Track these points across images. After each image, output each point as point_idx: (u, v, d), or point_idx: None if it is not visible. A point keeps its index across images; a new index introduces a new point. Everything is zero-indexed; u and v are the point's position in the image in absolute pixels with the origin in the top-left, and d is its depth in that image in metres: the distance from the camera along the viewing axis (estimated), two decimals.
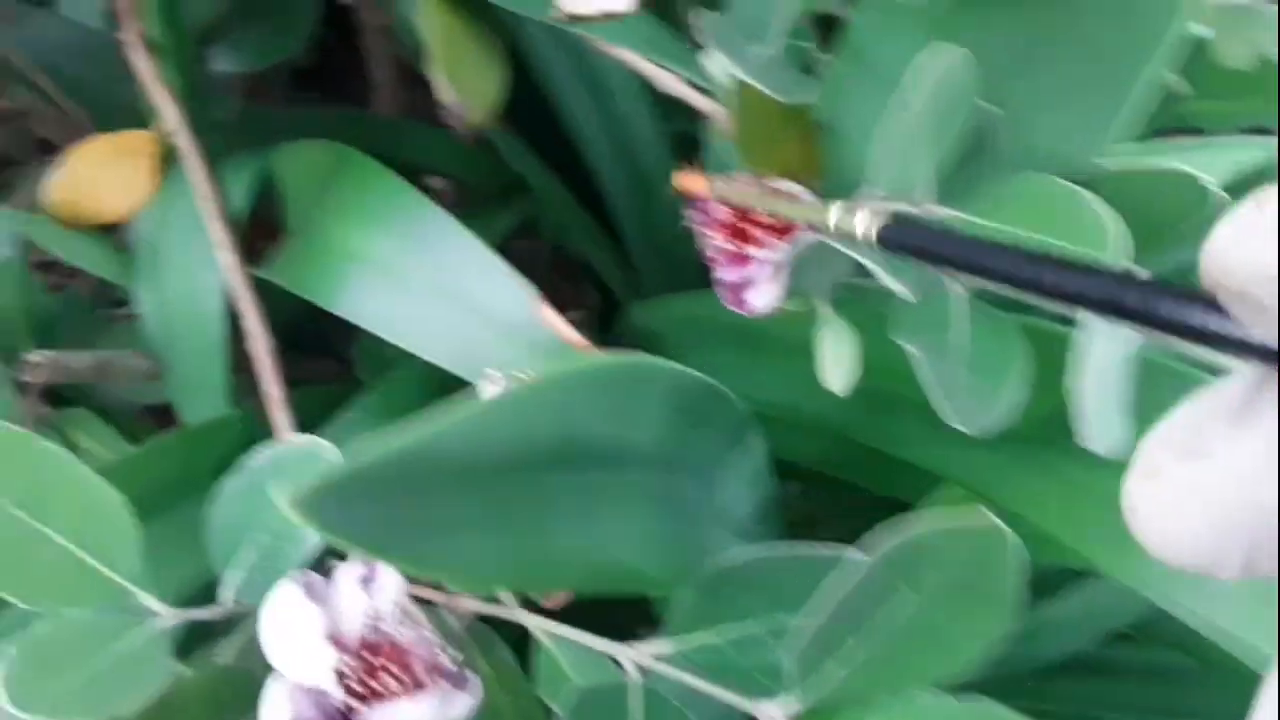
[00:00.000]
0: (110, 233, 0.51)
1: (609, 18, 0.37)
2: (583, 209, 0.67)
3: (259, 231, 0.50)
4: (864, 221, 0.25)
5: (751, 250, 0.31)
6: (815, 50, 0.38)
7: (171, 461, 0.46)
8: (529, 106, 0.64)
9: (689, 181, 0.33)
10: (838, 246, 0.29)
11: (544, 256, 0.82)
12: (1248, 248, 0.14)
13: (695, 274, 0.72)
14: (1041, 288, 0.20)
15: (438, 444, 0.25)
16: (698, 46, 0.38)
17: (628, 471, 0.32)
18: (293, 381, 0.42)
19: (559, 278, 0.89)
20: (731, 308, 0.32)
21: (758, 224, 0.31)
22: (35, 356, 0.43)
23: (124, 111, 0.53)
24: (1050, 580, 0.47)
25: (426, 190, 0.88)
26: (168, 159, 0.51)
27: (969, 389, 0.29)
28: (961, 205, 0.29)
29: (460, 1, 0.45)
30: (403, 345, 0.38)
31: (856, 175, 0.34)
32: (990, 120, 0.30)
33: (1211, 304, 0.15)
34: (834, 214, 0.27)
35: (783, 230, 0.31)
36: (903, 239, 0.25)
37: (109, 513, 0.29)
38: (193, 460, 0.47)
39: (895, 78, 0.29)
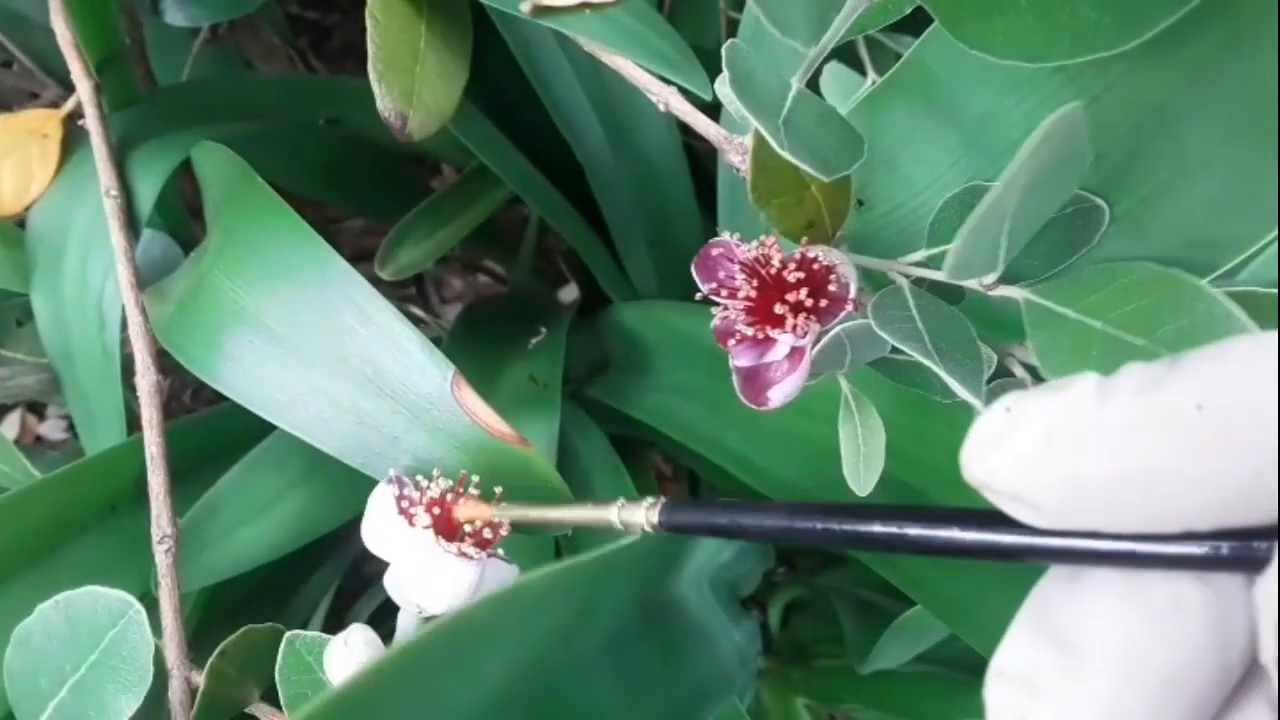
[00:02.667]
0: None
1: (587, 7, 0.30)
2: (567, 200, 0.60)
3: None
4: (646, 514, 0.26)
5: (776, 333, 0.24)
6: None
7: (61, 497, 0.40)
8: (507, 84, 0.56)
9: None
10: (877, 329, 0.23)
11: (534, 226, 0.75)
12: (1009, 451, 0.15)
13: (688, 279, 0.66)
14: (852, 539, 0.20)
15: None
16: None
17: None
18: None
19: (552, 246, 0.83)
20: (745, 401, 0.25)
21: (790, 298, 0.24)
22: None
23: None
24: None
25: (426, 183, 0.81)
26: (75, 141, 0.44)
27: None
28: (1044, 291, 0.23)
29: None
30: (292, 431, 0.30)
31: (900, 232, 0.28)
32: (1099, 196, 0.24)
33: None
34: (615, 512, 0.26)
35: (823, 306, 0.25)
36: (687, 519, 0.25)
37: None
38: (84, 495, 0.41)
39: (973, 123, 0.25)
